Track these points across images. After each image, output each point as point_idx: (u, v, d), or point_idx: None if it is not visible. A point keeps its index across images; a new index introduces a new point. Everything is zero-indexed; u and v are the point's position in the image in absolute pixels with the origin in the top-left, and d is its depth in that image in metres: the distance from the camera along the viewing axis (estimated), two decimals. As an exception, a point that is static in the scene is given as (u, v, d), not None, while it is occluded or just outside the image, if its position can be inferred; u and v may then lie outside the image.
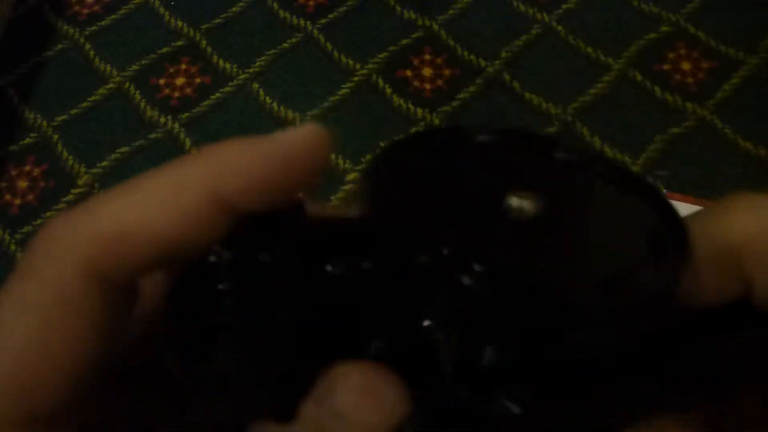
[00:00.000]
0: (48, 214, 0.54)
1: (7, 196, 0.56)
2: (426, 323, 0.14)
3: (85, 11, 0.66)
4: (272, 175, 0.14)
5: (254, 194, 0.14)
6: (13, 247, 0.53)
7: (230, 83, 0.60)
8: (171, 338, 0.14)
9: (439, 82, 0.58)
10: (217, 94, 0.60)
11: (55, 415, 0.14)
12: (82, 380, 0.14)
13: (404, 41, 0.61)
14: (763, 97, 0.54)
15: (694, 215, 0.15)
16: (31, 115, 0.60)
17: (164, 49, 0.63)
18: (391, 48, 0.61)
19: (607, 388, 0.15)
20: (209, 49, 0.62)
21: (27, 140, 0.58)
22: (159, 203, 0.14)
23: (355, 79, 0.59)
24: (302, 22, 0.63)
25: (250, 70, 0.61)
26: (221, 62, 0.61)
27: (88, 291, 0.14)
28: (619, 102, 0.55)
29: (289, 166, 0.14)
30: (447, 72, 0.59)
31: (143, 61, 0.62)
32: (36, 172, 0.57)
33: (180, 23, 0.64)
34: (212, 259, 0.14)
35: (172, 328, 0.14)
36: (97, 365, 0.14)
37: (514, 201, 0.14)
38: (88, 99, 0.60)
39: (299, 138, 0.14)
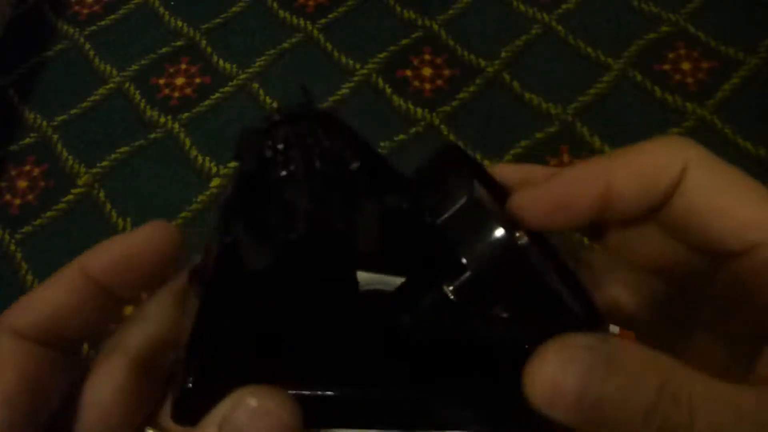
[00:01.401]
0: (48, 214, 0.54)
1: (7, 196, 0.56)
2: None
3: (85, 11, 0.66)
4: (126, 257, 0.20)
5: (113, 270, 0.20)
6: (13, 247, 0.53)
7: (230, 83, 0.60)
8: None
9: (439, 82, 0.58)
10: (217, 94, 0.60)
11: None
12: (18, 416, 0.18)
13: (404, 41, 0.61)
14: (763, 97, 0.54)
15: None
16: (31, 115, 0.60)
17: (164, 49, 0.63)
18: (391, 48, 0.61)
19: None
20: (209, 49, 0.62)
21: (27, 140, 0.58)
22: (53, 282, 0.20)
23: (355, 79, 0.59)
24: (302, 22, 0.63)
25: (250, 70, 0.61)
26: (221, 62, 0.61)
27: (15, 346, 0.19)
28: (619, 102, 0.55)
29: (137, 251, 0.20)
30: (447, 72, 0.59)
31: (143, 61, 0.62)
32: (36, 172, 0.57)
33: (180, 23, 0.64)
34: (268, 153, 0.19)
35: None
36: (31, 407, 0.19)
37: None
38: (88, 99, 0.60)
39: (145, 231, 0.20)
